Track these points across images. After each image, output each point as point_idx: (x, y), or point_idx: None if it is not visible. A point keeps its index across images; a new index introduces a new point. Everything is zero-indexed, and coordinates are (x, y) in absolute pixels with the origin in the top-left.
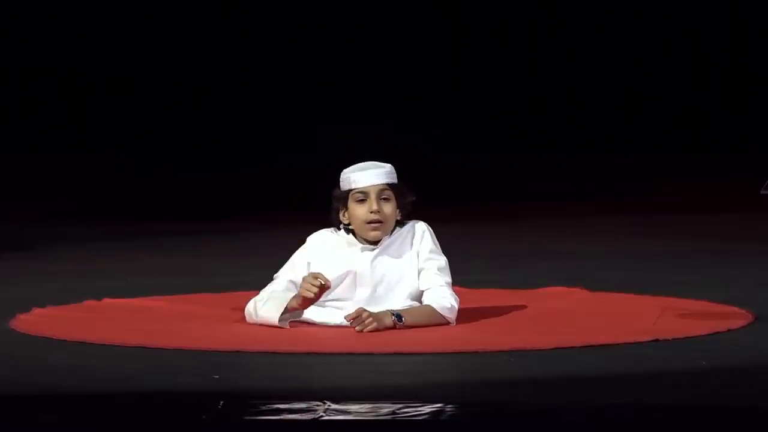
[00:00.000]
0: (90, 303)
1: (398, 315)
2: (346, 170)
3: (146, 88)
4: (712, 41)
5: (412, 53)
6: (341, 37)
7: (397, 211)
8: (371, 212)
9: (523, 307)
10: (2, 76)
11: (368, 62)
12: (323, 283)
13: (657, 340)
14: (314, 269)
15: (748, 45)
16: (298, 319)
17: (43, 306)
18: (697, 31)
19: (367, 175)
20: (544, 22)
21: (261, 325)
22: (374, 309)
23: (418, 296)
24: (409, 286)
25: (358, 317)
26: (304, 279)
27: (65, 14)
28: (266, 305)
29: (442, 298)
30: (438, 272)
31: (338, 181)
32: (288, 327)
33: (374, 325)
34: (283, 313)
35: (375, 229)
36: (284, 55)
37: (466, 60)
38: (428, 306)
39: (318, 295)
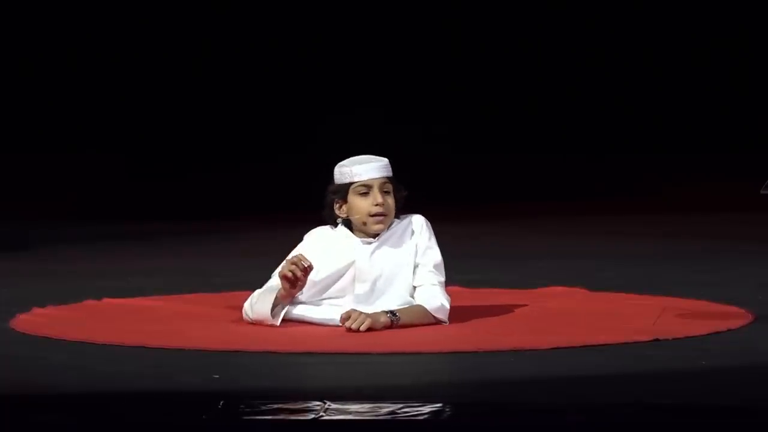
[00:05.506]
0: (90, 303)
1: (393, 312)
2: (342, 163)
3: (147, 88)
4: (712, 41)
5: (413, 52)
6: (341, 36)
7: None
8: (376, 205)
9: (523, 307)
10: (3, 76)
11: (369, 62)
12: (306, 266)
13: (657, 340)
14: (314, 266)
15: (748, 45)
16: (300, 315)
17: (43, 306)
18: (698, 31)
19: (369, 168)
20: (544, 22)
21: (257, 323)
22: (374, 303)
23: None
24: (409, 280)
25: (349, 318)
26: (285, 261)
27: (65, 14)
28: (259, 300)
29: (432, 297)
30: (433, 270)
31: (332, 177)
32: (278, 324)
33: (369, 321)
34: (274, 306)
35: (379, 222)
36: (283, 54)
37: (466, 60)
38: (419, 306)
39: (303, 279)
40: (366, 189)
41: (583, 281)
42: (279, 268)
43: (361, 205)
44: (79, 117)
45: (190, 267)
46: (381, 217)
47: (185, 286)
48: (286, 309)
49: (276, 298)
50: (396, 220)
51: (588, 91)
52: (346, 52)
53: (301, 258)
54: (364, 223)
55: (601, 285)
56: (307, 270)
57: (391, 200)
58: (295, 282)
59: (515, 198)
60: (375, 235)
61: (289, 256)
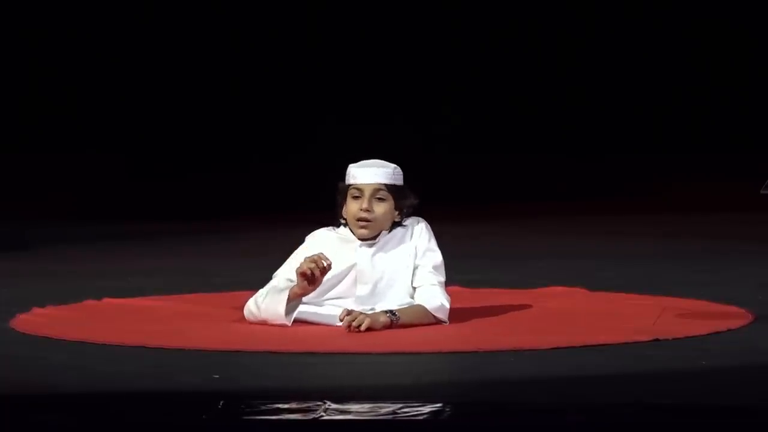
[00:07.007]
0: (90, 303)
1: (393, 312)
2: (352, 165)
3: (147, 88)
4: (712, 41)
5: (414, 52)
6: (343, 37)
7: (396, 212)
8: (361, 210)
9: (523, 307)
10: (3, 76)
11: (368, 61)
12: (325, 265)
13: (657, 340)
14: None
15: (748, 45)
16: (300, 315)
17: (43, 306)
18: (698, 31)
19: (365, 173)
20: (545, 22)
21: (262, 322)
22: (376, 305)
23: None
24: (409, 282)
25: (349, 314)
26: (304, 259)
27: (66, 14)
28: (267, 298)
29: (432, 297)
30: (432, 270)
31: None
32: (290, 324)
33: (368, 321)
34: (287, 304)
35: (362, 227)
36: (284, 54)
37: (466, 60)
38: (419, 305)
39: (320, 278)
40: (359, 193)
41: (583, 281)
42: (279, 270)
43: (351, 208)
44: (79, 117)
45: (190, 267)
46: (364, 223)
47: (185, 286)
48: (297, 310)
49: (288, 297)
50: (397, 226)
51: (588, 91)
52: (346, 52)
53: (321, 257)
54: (352, 226)
55: (601, 285)
56: (326, 269)
57: (382, 207)
58: (313, 280)
59: (515, 198)
60: (374, 238)
61: (291, 258)
